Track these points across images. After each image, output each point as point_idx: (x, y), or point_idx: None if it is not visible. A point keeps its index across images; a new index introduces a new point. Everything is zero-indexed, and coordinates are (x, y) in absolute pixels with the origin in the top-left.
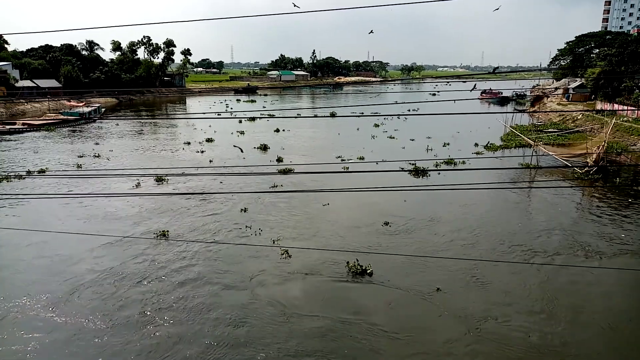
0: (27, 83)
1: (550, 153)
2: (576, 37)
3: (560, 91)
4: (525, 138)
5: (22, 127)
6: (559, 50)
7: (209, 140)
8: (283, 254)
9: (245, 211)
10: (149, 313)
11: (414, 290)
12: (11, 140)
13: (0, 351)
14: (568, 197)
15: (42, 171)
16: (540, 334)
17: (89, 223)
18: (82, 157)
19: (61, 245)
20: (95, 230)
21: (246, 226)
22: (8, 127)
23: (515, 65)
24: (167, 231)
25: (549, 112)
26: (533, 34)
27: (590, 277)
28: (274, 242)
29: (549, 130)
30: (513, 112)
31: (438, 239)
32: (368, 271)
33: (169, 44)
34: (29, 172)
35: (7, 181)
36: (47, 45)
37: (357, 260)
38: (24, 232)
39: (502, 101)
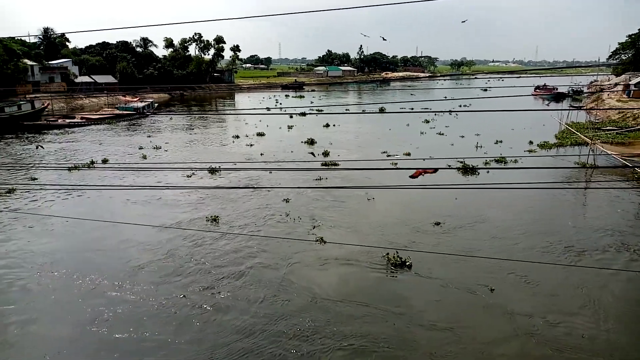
0: (85, 79)
1: (609, 152)
2: None
3: (620, 87)
4: (582, 136)
5: (81, 121)
6: (619, 43)
7: (260, 134)
8: (318, 241)
9: (287, 202)
10: (200, 288)
11: (457, 286)
12: (75, 132)
13: (72, 321)
14: (627, 199)
15: (105, 161)
16: (592, 337)
17: (150, 208)
18: (141, 149)
19: (122, 231)
20: (155, 215)
21: (286, 214)
22: (68, 120)
23: (571, 60)
24: (218, 217)
25: (608, 109)
26: (591, 26)
27: None
28: (313, 228)
29: (608, 128)
30: (569, 109)
31: (486, 238)
32: (407, 263)
33: (219, 40)
34: (91, 163)
35: (77, 170)
36: (104, 42)
37: (397, 252)
38: (92, 218)
39: (558, 97)
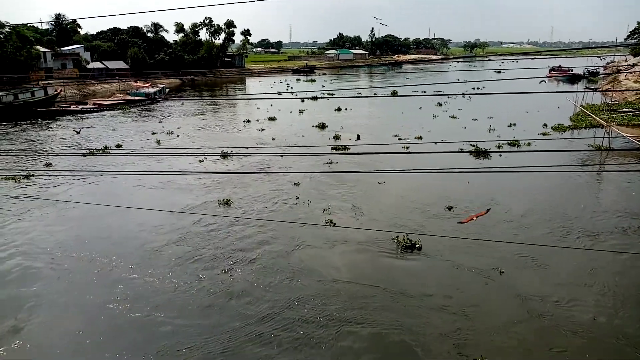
0: (97, 65)
1: (625, 134)
2: None
3: (638, 68)
4: (597, 118)
5: (93, 107)
6: (638, 23)
7: (272, 118)
8: (328, 224)
9: (297, 185)
10: (214, 272)
11: (468, 269)
12: (88, 118)
13: (88, 303)
14: None
15: (119, 146)
16: (603, 320)
17: (163, 193)
18: (154, 134)
19: (137, 216)
20: (168, 200)
21: (296, 197)
22: (80, 106)
23: (587, 41)
24: (230, 200)
25: (625, 90)
26: (608, 5)
27: None
28: (323, 211)
29: (624, 110)
30: (584, 91)
31: (498, 222)
32: (417, 245)
33: (230, 24)
34: (105, 148)
35: (93, 155)
36: (115, 28)
37: (407, 235)
38: (106, 203)
39: (573, 79)
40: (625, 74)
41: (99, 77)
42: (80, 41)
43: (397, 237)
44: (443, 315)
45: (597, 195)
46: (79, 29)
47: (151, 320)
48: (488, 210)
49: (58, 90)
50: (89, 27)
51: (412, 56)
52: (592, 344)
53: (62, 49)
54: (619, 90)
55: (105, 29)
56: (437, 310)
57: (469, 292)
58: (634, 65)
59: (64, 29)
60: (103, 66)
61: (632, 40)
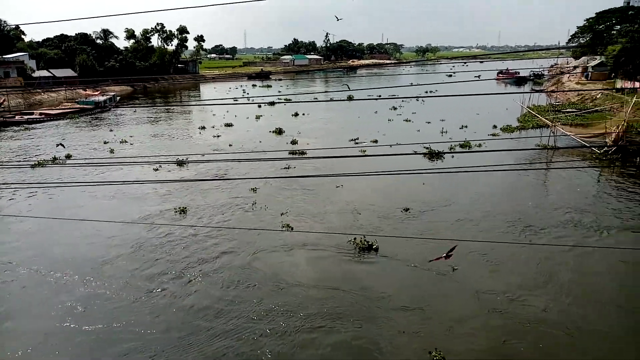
0: (43, 73)
1: (568, 133)
2: (597, 13)
3: (579, 70)
4: (543, 118)
5: (40, 117)
6: (578, 27)
7: (228, 125)
8: (285, 229)
9: (254, 191)
10: (170, 279)
11: (423, 267)
12: (35, 129)
13: (43, 317)
14: (586, 178)
15: (68, 156)
16: (552, 311)
17: (117, 203)
18: (107, 143)
19: (90, 227)
20: (123, 210)
21: (253, 203)
22: (26, 117)
23: (532, 45)
24: (186, 208)
25: (567, 91)
26: (551, 11)
27: (602, 256)
28: (281, 215)
29: (567, 110)
30: (530, 92)
31: (451, 221)
32: (374, 247)
33: (182, 30)
34: (54, 159)
35: (41, 166)
36: (62, 34)
37: (364, 237)
38: (58, 216)
39: (519, 81)
40: (568, 75)
41: (45, 86)
42: (25, 48)
43: (355, 239)
44: (401, 313)
45: (545, 191)
46: (22, 36)
47: (107, 332)
48: (453, 248)
49: (1, 100)
50: (33, 34)
51: (367, 61)
52: (544, 335)
53: (4, 56)
54: (562, 91)
55: (51, 36)
56: (395, 309)
57: (425, 290)
58: (575, 67)
59: (6, 36)
60: (50, 74)
61: (573, 44)
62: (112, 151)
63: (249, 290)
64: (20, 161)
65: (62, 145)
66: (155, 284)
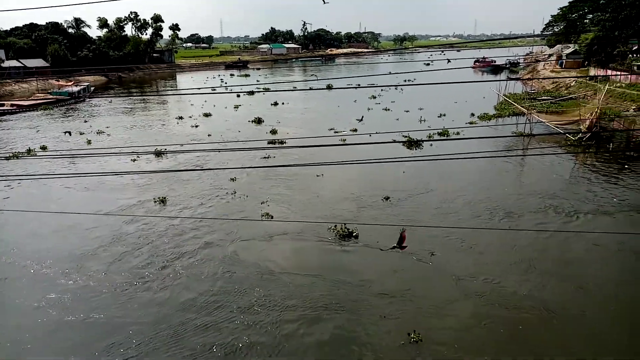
0: (13, 63)
1: (544, 121)
2: (570, 2)
3: (553, 58)
4: (519, 106)
5: (11, 108)
6: (552, 16)
7: (207, 115)
8: (265, 217)
9: (234, 180)
10: (150, 270)
11: (403, 253)
12: (7, 120)
13: (21, 310)
14: (561, 164)
15: (44, 148)
16: (530, 293)
17: (96, 194)
18: (82, 134)
19: (67, 220)
20: (102, 201)
21: (234, 192)
22: None
23: (508, 33)
24: (166, 198)
25: (542, 79)
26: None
27: (578, 241)
28: (261, 203)
29: (543, 97)
30: (507, 80)
31: (430, 208)
32: (354, 234)
33: (157, 19)
34: (29, 151)
35: (16, 158)
36: (31, 23)
37: (345, 224)
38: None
39: (496, 70)
40: (543, 63)
41: (16, 77)
42: None
43: (335, 226)
44: (381, 299)
45: (521, 178)
46: None
47: (87, 322)
48: (403, 236)
49: None
50: (1, 23)
51: (345, 50)
52: (521, 317)
53: None
54: (537, 79)
55: (20, 24)
56: (375, 295)
57: (405, 275)
58: (549, 55)
59: None
60: (20, 64)
61: (547, 33)
62: (89, 142)
63: (230, 280)
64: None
65: (69, 133)
66: (135, 276)
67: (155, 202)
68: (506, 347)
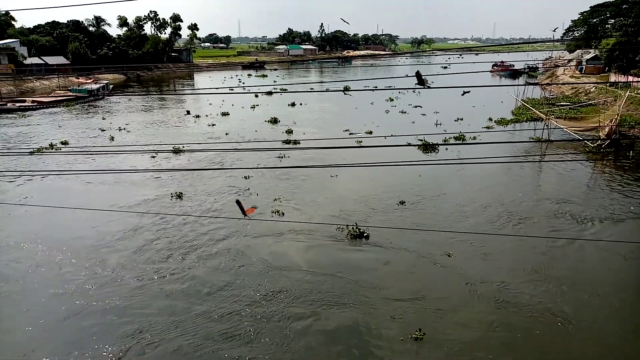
0: (35, 60)
1: (562, 127)
2: (591, 7)
3: (573, 63)
4: (537, 112)
5: (32, 104)
6: (572, 21)
7: (225, 114)
8: (275, 213)
9: (247, 178)
10: (168, 266)
11: (415, 255)
12: (33, 116)
13: (43, 309)
14: (579, 171)
15: (65, 143)
16: (543, 299)
17: (117, 188)
18: (104, 130)
19: (90, 214)
20: (123, 196)
21: (247, 188)
22: (18, 104)
23: (527, 37)
24: (182, 193)
25: (562, 84)
26: (546, 4)
27: (594, 249)
28: (274, 201)
29: (561, 103)
30: (525, 85)
31: (445, 212)
32: (365, 234)
33: (176, 18)
34: (51, 146)
35: (40, 153)
36: (53, 21)
37: (356, 224)
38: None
39: (514, 74)
40: (563, 68)
41: (37, 73)
42: (16, 35)
43: (347, 226)
44: (391, 299)
45: (538, 184)
46: (13, 22)
47: (108, 308)
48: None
49: None
50: (24, 21)
51: (362, 52)
52: (532, 322)
53: None
54: (556, 84)
55: (43, 22)
56: (386, 296)
57: (417, 277)
58: (569, 61)
59: None
60: (42, 62)
61: (567, 38)
62: (112, 138)
63: (242, 276)
64: (20, 148)
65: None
66: (152, 268)
67: (172, 196)
68: (514, 350)
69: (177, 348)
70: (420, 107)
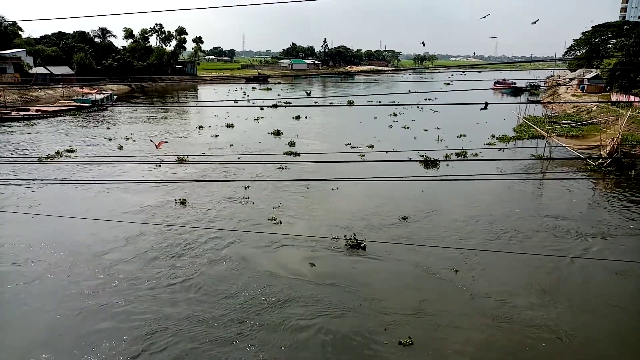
0: (40, 70)
1: (564, 145)
2: (593, 27)
3: (575, 82)
4: (539, 129)
5: (36, 113)
6: (574, 40)
7: (230, 125)
8: (272, 220)
9: (247, 189)
10: (172, 259)
11: (417, 271)
12: (39, 125)
13: (50, 312)
14: (580, 190)
15: (71, 150)
16: (541, 314)
17: (123, 194)
18: (110, 140)
19: (94, 223)
20: (128, 201)
21: (247, 197)
22: (22, 113)
23: (529, 56)
24: (186, 200)
25: (563, 102)
26: (548, 23)
27: (595, 267)
28: (273, 208)
29: (563, 121)
30: (527, 103)
31: (445, 228)
32: (362, 245)
33: (181, 31)
34: (58, 154)
35: (49, 161)
36: (59, 32)
37: (354, 235)
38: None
39: (516, 92)
40: (565, 87)
41: (42, 83)
42: (22, 45)
43: (345, 236)
44: (388, 310)
45: (539, 201)
46: (20, 32)
47: (116, 310)
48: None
49: None
50: (31, 31)
51: (365, 67)
52: (530, 337)
53: (1, 52)
54: (558, 102)
55: (49, 33)
56: (384, 308)
57: (420, 292)
58: (571, 79)
59: (3, 32)
60: (47, 71)
61: (569, 57)
62: (120, 147)
63: (239, 284)
64: (30, 155)
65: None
66: (156, 273)
67: (176, 202)
68: None
69: (183, 353)
70: (416, 121)
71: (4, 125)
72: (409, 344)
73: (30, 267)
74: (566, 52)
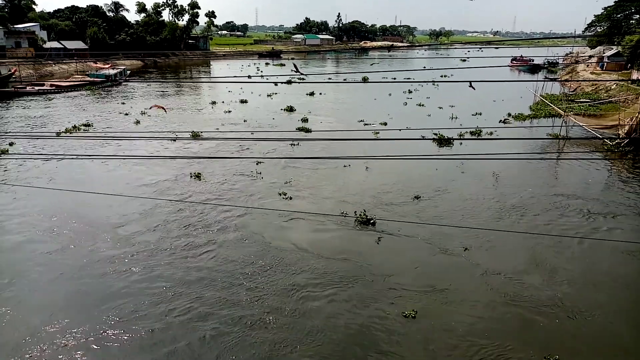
0: (54, 44)
1: (581, 124)
2: (615, 1)
3: (594, 60)
4: (556, 108)
5: (51, 88)
6: (595, 16)
7: (243, 101)
8: (286, 196)
9: (258, 164)
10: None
11: (427, 248)
12: (57, 99)
13: (63, 289)
14: (597, 170)
15: (88, 125)
16: (551, 293)
17: (142, 167)
18: (127, 115)
19: (111, 196)
20: (147, 174)
21: (259, 172)
22: (37, 88)
23: (548, 32)
24: (200, 174)
25: (581, 80)
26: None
27: (609, 248)
28: (285, 183)
29: (581, 100)
30: (544, 81)
31: (458, 207)
32: (372, 221)
33: (194, 5)
34: (75, 128)
35: (70, 134)
36: (73, 6)
37: (365, 211)
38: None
39: (533, 69)
40: (584, 64)
41: (56, 58)
42: (36, 19)
43: (355, 212)
44: (396, 286)
45: (555, 182)
46: (34, 6)
47: (127, 309)
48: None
49: (12, 70)
50: (45, 5)
51: (379, 43)
52: (537, 313)
53: (15, 26)
54: (576, 81)
55: (62, 6)
56: (379, 275)
57: (430, 269)
58: (590, 57)
59: (17, 6)
60: (61, 46)
61: (589, 33)
62: (137, 122)
63: (250, 255)
64: (48, 130)
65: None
66: (171, 243)
67: (192, 176)
68: (515, 337)
69: (202, 314)
70: (431, 99)
71: (21, 100)
72: (412, 316)
73: (53, 236)
74: (586, 28)
